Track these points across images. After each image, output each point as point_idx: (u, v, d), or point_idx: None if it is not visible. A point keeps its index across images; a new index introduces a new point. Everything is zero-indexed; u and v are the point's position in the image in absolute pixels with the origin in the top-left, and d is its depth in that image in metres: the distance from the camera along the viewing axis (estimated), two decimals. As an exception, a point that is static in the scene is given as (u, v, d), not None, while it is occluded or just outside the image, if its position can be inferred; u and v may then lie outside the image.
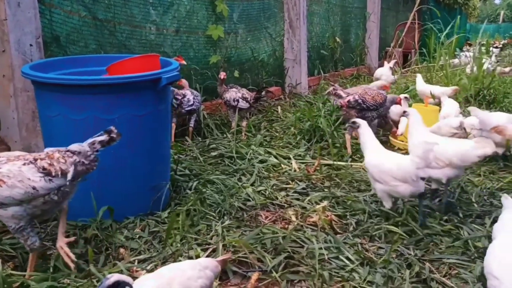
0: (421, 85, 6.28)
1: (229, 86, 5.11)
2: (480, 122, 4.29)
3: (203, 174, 3.75)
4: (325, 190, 3.65)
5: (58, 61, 3.49)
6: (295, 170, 4.07)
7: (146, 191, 3.08)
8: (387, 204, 3.05)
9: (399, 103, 4.81)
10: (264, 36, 7.07)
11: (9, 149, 3.58)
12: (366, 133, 3.18)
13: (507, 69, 8.93)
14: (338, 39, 9.05)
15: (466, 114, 4.89)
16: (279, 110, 6.13)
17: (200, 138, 4.89)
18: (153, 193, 3.11)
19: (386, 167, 2.95)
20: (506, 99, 6.68)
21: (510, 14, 34.40)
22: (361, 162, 4.03)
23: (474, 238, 2.81)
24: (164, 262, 2.55)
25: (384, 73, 7.72)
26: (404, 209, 3.09)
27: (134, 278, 1.78)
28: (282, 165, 4.17)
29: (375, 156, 3.07)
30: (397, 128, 4.86)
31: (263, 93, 5.13)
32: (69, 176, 2.31)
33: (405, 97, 5.29)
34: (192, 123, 4.81)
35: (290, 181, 3.84)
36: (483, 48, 9.90)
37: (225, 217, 3.12)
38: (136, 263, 2.54)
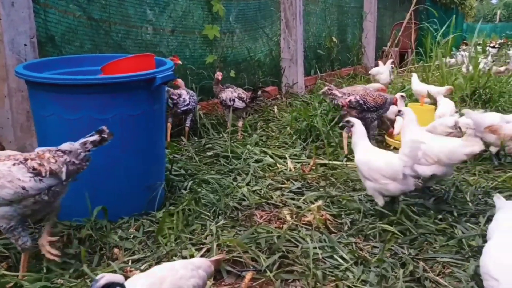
0: (416, 84, 6.29)
1: (225, 85, 5.11)
2: (474, 123, 4.31)
3: (198, 174, 3.75)
4: (321, 189, 3.65)
5: (52, 61, 3.48)
6: (290, 170, 4.07)
7: (141, 191, 3.07)
8: (380, 202, 3.06)
9: (395, 103, 4.82)
10: (261, 35, 7.07)
11: (3, 149, 3.57)
12: (359, 132, 3.21)
13: (502, 68, 8.96)
14: (334, 39, 9.05)
15: (461, 113, 4.89)
16: (276, 110, 6.13)
17: (196, 138, 4.88)
18: (147, 193, 3.10)
19: (375, 165, 2.99)
20: (501, 98, 6.69)
21: (506, 13, 34.50)
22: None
23: (468, 237, 2.82)
24: (158, 262, 2.55)
25: (381, 72, 7.74)
26: (398, 208, 3.09)
27: (128, 278, 1.78)
28: (278, 165, 4.17)
29: (365, 154, 3.10)
30: (393, 127, 4.88)
31: (259, 92, 5.14)
32: (63, 176, 2.31)
33: (402, 96, 5.30)
34: (188, 123, 4.80)
35: (285, 181, 3.84)
36: (479, 47, 9.94)
37: (220, 217, 3.12)
38: (130, 263, 2.54)
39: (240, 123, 5.03)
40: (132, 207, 3.07)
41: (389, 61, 8.18)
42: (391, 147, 4.75)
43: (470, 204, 3.34)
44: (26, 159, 2.27)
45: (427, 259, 2.63)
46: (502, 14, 34.21)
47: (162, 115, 3.32)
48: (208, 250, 2.66)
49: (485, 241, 2.61)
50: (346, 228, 3.03)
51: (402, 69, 10.27)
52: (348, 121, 3.28)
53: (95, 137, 2.42)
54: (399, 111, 3.58)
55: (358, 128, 3.21)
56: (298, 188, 3.68)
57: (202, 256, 2.59)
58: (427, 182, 3.37)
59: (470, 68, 7.73)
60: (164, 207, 3.18)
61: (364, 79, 8.68)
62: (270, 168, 4.13)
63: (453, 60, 10.08)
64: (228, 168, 4.02)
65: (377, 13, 10.55)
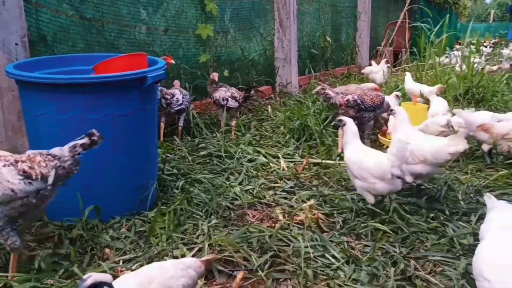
0: (409, 83, 6.31)
1: (219, 85, 5.10)
2: (465, 123, 4.35)
3: (191, 174, 3.74)
4: (313, 188, 3.66)
5: (44, 60, 3.46)
6: (283, 169, 4.07)
7: (133, 190, 3.06)
8: (370, 199, 3.08)
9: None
10: (255, 35, 7.06)
11: (-6, 149, 3.55)
12: (350, 131, 3.22)
13: (495, 67, 9.00)
14: (328, 38, 9.06)
15: (453, 113, 4.91)
16: (269, 109, 6.13)
17: (189, 138, 4.87)
18: (139, 193, 3.09)
19: (365, 164, 3.02)
20: (494, 97, 6.72)
21: (500, 13, 34.67)
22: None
23: (459, 236, 2.83)
24: (150, 262, 2.53)
25: (375, 71, 7.78)
26: (390, 207, 3.10)
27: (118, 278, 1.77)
28: (271, 164, 4.17)
29: (356, 153, 3.12)
30: (387, 126, 4.89)
31: (253, 92, 5.13)
32: (50, 180, 2.30)
33: (396, 95, 5.33)
34: (181, 123, 4.79)
35: (278, 180, 3.84)
36: (472, 47, 9.98)
37: (212, 217, 3.11)
38: (121, 263, 2.53)
39: (233, 123, 5.02)
40: (124, 207, 3.06)
41: (383, 61, 8.21)
42: (384, 146, 4.76)
43: (462, 202, 3.35)
44: (16, 161, 2.26)
45: (419, 258, 2.64)
46: (496, 14, 34.40)
47: (154, 114, 3.31)
48: (200, 250, 2.66)
49: (476, 240, 2.63)
50: (338, 227, 3.03)
51: (396, 68, 10.30)
52: (340, 120, 3.29)
53: (85, 140, 2.41)
54: (391, 110, 3.59)
55: (350, 127, 3.22)
56: (291, 187, 3.68)
57: (193, 255, 2.59)
58: (417, 180, 3.38)
59: (464, 67, 7.76)
60: (156, 207, 3.16)
61: (358, 78, 8.68)
62: (263, 167, 4.13)
63: (446, 60, 10.12)
64: (221, 168, 4.01)
65: (371, 13, 10.57)
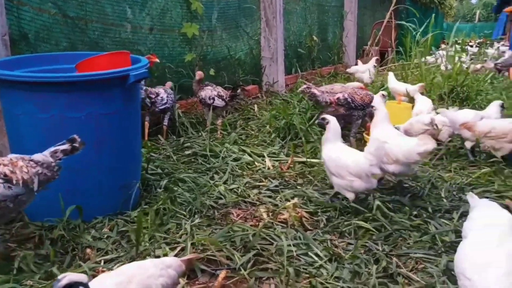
0: (392, 82, 6.39)
1: (205, 84, 5.08)
2: (449, 121, 4.41)
3: (175, 173, 3.72)
4: (298, 187, 3.66)
5: (25, 59, 3.43)
6: (268, 168, 4.07)
7: (116, 190, 3.03)
8: (350, 197, 3.10)
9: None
10: (241, 34, 7.05)
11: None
12: (333, 129, 3.24)
13: (478, 66, 9.11)
14: (315, 38, 9.08)
15: (437, 112, 4.96)
16: (256, 109, 6.13)
17: (174, 137, 4.85)
18: (123, 192, 3.06)
19: (343, 162, 3.05)
20: (479, 96, 6.79)
21: (485, 13, 35.06)
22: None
23: (441, 233, 2.85)
24: (132, 261, 2.51)
25: (361, 70, 7.83)
26: (374, 205, 3.12)
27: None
28: (256, 163, 4.16)
29: (334, 151, 3.15)
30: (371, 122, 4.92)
31: (239, 91, 5.12)
32: (35, 187, 2.29)
33: (382, 94, 5.37)
34: (166, 122, 4.76)
35: (263, 179, 3.83)
36: (457, 46, 10.07)
37: (196, 216, 3.10)
38: (102, 263, 2.50)
39: (219, 122, 5.01)
40: (107, 207, 3.03)
41: (373, 59, 8.26)
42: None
43: (444, 200, 3.38)
44: None
45: (401, 255, 2.65)
46: (481, 14, 34.80)
47: (138, 113, 3.28)
48: (183, 249, 2.64)
49: (458, 237, 2.66)
50: (322, 225, 3.04)
51: (382, 68, 10.35)
52: (324, 118, 3.30)
53: (66, 146, 2.40)
54: (372, 106, 3.64)
55: (333, 125, 3.24)
56: (276, 186, 3.68)
57: (176, 255, 2.57)
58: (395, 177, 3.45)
59: (449, 66, 7.83)
60: (139, 207, 3.15)
61: (343, 77, 8.72)
62: (248, 166, 4.12)
63: (432, 59, 10.21)
64: (206, 167, 4.00)
65: (357, 12, 10.61)
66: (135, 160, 3.29)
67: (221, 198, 3.40)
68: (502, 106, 4.80)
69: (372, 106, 3.63)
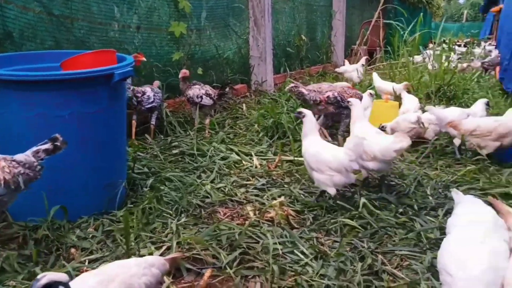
0: (378, 81, 6.49)
1: (192, 82, 5.06)
2: (437, 119, 4.44)
3: (162, 172, 3.70)
4: (285, 186, 3.66)
5: (9, 57, 3.39)
6: (256, 167, 4.07)
7: (101, 189, 3.01)
8: (331, 191, 3.12)
9: None
10: (229, 33, 7.04)
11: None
12: (309, 123, 3.28)
13: (465, 65, 9.20)
14: (303, 37, 9.10)
15: (424, 110, 5.00)
16: (244, 108, 6.12)
17: (162, 136, 4.83)
18: (108, 192, 3.04)
19: (323, 157, 3.08)
20: (465, 95, 6.84)
21: (473, 13, 35.40)
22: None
23: (426, 230, 2.87)
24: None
25: (349, 70, 7.88)
26: (360, 202, 3.13)
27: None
28: (244, 162, 4.16)
29: (314, 146, 3.18)
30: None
31: (227, 89, 5.11)
32: (22, 187, 2.26)
33: (370, 93, 5.40)
34: (153, 121, 4.74)
35: (250, 178, 3.83)
36: (445, 45, 10.15)
37: (182, 215, 3.08)
38: (87, 263, 2.48)
39: (207, 121, 4.99)
40: (92, 206, 3.01)
41: (363, 59, 8.31)
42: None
43: (430, 197, 3.40)
44: None
45: (386, 252, 2.67)
46: (469, 14, 35.14)
47: (123, 112, 3.26)
48: (168, 248, 2.63)
49: (442, 233, 2.67)
50: (308, 223, 3.04)
51: (370, 67, 10.40)
52: (300, 112, 3.33)
53: (48, 146, 2.37)
54: (348, 101, 3.69)
55: (310, 119, 3.28)
56: (263, 184, 3.67)
57: (161, 254, 2.56)
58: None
59: (436, 65, 7.89)
60: (125, 206, 3.12)
61: (332, 76, 8.74)
62: (236, 165, 4.12)
63: (420, 58, 10.27)
64: (193, 166, 3.98)
65: (346, 12, 10.66)
66: (121, 159, 3.27)
67: (208, 197, 3.39)
68: (487, 104, 4.85)
69: (348, 102, 3.67)
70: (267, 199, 3.38)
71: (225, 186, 3.59)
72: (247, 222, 3.01)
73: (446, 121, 4.33)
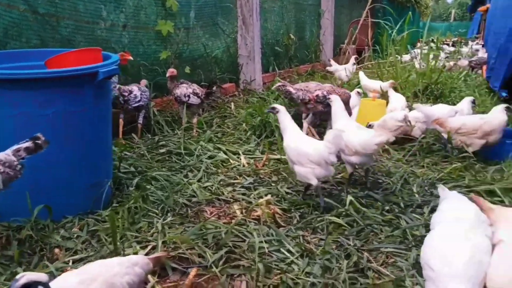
0: (364, 80, 6.56)
1: (180, 81, 5.04)
2: (425, 116, 4.47)
3: (149, 171, 3.68)
4: (272, 184, 3.66)
5: (-8, 56, 3.35)
6: (243, 165, 4.07)
7: (86, 189, 2.99)
8: (313, 182, 3.12)
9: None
10: (218, 32, 7.02)
11: None
12: (285, 118, 3.31)
13: (451, 64, 9.28)
14: (292, 36, 9.10)
15: (411, 108, 5.03)
16: (232, 107, 6.11)
17: (149, 135, 4.80)
18: (93, 191, 3.01)
19: (304, 150, 3.10)
20: (452, 93, 6.89)
21: (461, 13, 35.70)
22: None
23: (412, 227, 2.88)
24: (101, 261, 2.48)
25: (339, 69, 7.91)
26: (346, 200, 3.14)
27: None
28: (231, 161, 4.15)
29: (294, 140, 3.21)
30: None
31: (215, 88, 5.10)
32: (1, 185, 2.23)
33: (358, 92, 5.44)
34: (140, 120, 4.71)
35: (238, 176, 3.82)
36: (433, 44, 10.22)
37: (169, 214, 3.07)
38: (71, 263, 2.46)
39: (194, 120, 4.98)
40: (77, 206, 2.98)
41: (353, 58, 8.34)
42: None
43: (416, 195, 3.42)
44: None
45: (372, 250, 2.68)
46: (457, 13, 35.44)
47: (108, 110, 3.24)
48: (154, 248, 2.61)
49: (428, 231, 2.67)
50: (295, 221, 3.04)
51: (359, 66, 10.43)
52: (273, 108, 3.35)
53: (29, 144, 2.34)
54: (328, 98, 3.72)
55: (284, 114, 3.31)
56: (250, 183, 3.67)
57: (147, 254, 2.54)
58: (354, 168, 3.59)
59: (423, 64, 7.94)
60: (111, 206, 3.10)
61: (320, 75, 8.76)
62: (224, 164, 4.11)
63: (408, 57, 10.33)
64: (180, 165, 3.97)
65: (334, 11, 10.68)
66: (106, 158, 3.24)
67: (194, 196, 3.38)
68: (473, 102, 4.89)
69: (328, 98, 3.70)
70: (254, 198, 3.37)
71: (212, 185, 3.58)
72: (233, 221, 3.01)
73: (434, 118, 4.36)
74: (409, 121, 4.47)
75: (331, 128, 4.75)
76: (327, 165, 3.07)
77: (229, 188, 3.57)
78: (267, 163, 4.09)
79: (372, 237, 2.82)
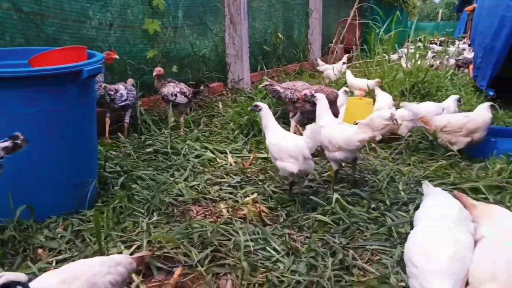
0: (351, 79, 6.63)
1: (167, 80, 5.02)
2: (412, 114, 4.51)
3: (135, 171, 3.65)
4: (259, 183, 3.65)
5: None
6: (231, 164, 4.06)
7: (70, 189, 2.96)
8: (293, 169, 3.11)
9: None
10: (205, 31, 7.00)
11: None
12: (267, 116, 3.34)
13: (438, 63, 9.37)
14: (280, 35, 9.11)
15: (398, 107, 5.06)
16: (220, 106, 6.10)
17: (136, 135, 4.77)
18: (78, 191, 2.98)
19: (284, 146, 3.13)
20: (439, 92, 6.95)
21: (448, 12, 36.03)
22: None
23: (397, 225, 2.90)
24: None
25: (328, 68, 7.95)
26: (333, 198, 3.15)
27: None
28: (218, 160, 4.14)
29: (275, 136, 3.24)
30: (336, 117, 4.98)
31: (202, 87, 5.08)
32: None
33: (345, 90, 5.47)
34: (127, 119, 4.68)
35: (225, 175, 3.81)
36: (420, 44, 10.29)
37: (154, 213, 3.05)
38: (54, 264, 2.43)
39: (181, 119, 4.95)
40: (61, 206, 2.95)
41: (345, 57, 8.39)
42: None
43: (402, 193, 3.44)
44: None
45: (357, 247, 2.69)
46: (444, 13, 35.77)
47: (92, 109, 3.21)
48: (138, 247, 2.60)
49: (412, 228, 2.70)
50: (281, 220, 3.04)
51: (346, 65, 10.46)
52: (256, 106, 3.38)
53: (8, 143, 2.29)
54: (313, 96, 3.75)
55: (266, 112, 3.34)
56: (237, 182, 3.66)
57: (132, 253, 2.52)
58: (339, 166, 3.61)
59: (409, 63, 8.00)
60: (95, 205, 3.07)
61: (309, 75, 8.78)
62: (211, 163, 4.10)
63: (395, 56, 10.40)
64: (166, 164, 3.95)
65: (322, 10, 10.71)
66: (91, 158, 3.21)
67: (181, 195, 3.37)
68: (459, 101, 4.94)
69: (314, 96, 3.73)
70: (241, 197, 3.36)
71: (199, 184, 3.57)
72: (219, 220, 3.00)
73: (421, 115, 4.39)
74: (396, 120, 4.50)
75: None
76: (307, 159, 3.08)
77: (216, 187, 3.56)
78: (254, 162, 4.09)
79: (357, 235, 2.83)
